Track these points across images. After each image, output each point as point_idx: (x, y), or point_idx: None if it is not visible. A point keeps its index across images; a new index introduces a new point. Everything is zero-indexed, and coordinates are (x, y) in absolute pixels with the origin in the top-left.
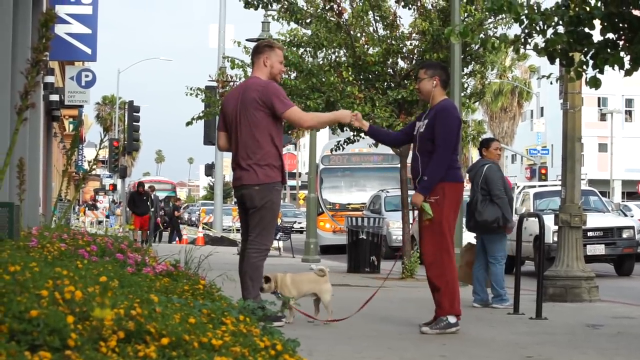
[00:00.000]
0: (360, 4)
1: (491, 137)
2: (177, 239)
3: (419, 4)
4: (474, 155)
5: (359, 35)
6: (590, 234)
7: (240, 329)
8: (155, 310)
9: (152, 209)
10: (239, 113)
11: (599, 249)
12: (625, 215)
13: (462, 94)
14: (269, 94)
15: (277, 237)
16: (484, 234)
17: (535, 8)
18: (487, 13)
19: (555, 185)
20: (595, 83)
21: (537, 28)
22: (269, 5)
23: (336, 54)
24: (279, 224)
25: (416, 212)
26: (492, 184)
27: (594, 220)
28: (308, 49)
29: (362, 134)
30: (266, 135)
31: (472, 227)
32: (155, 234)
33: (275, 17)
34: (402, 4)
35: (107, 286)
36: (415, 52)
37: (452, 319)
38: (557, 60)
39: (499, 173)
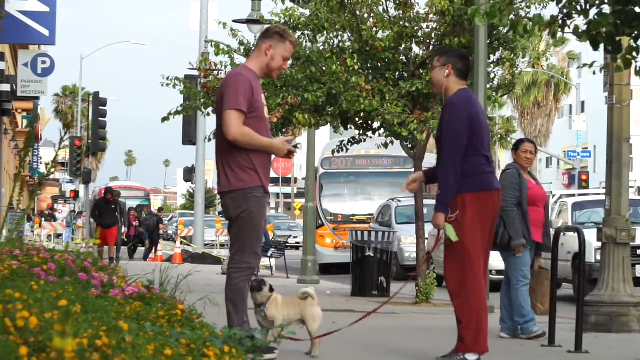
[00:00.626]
0: None
1: (524, 137)
2: (149, 255)
3: None
4: (501, 158)
5: (366, 16)
6: None
7: None
8: (125, 340)
9: (122, 220)
10: (216, 109)
11: None
12: None
13: (488, 86)
14: (226, 85)
15: (269, 254)
16: (500, 252)
17: None
18: None
19: (599, 194)
20: None
21: (578, 7)
22: None
23: (339, 38)
24: (270, 238)
25: (441, 234)
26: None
27: None
28: (306, 32)
29: (370, 133)
30: None
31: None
32: (132, 249)
33: None
34: None
35: (68, 311)
36: (433, 36)
37: (470, 357)
38: (602, 46)
39: (513, 180)
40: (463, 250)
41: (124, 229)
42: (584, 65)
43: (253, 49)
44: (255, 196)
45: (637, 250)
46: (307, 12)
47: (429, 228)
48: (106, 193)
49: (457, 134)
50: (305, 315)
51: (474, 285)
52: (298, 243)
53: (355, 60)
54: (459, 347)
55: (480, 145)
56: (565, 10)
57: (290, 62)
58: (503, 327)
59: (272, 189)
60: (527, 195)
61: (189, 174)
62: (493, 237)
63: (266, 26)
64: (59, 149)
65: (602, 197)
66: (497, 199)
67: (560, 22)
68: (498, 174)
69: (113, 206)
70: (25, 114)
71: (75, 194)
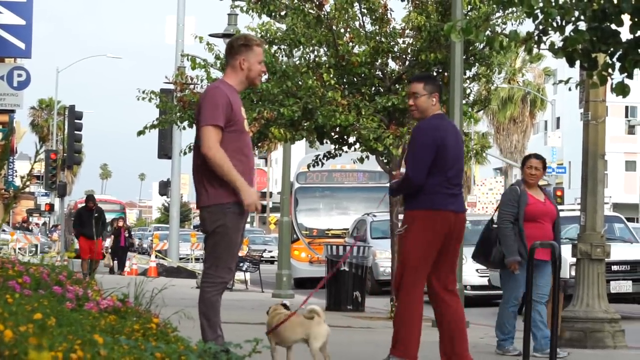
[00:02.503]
0: None
1: (532, 153)
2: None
3: None
4: (476, 174)
5: (342, 31)
6: (615, 268)
7: None
8: (100, 354)
9: (105, 231)
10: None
11: (625, 286)
12: None
13: (464, 102)
14: (203, 99)
15: (244, 269)
16: (499, 269)
17: (552, 0)
18: (494, 6)
19: (574, 210)
20: (622, 90)
21: (554, 24)
22: None
23: (315, 52)
24: (245, 252)
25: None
26: (499, 209)
27: (619, 252)
28: (282, 46)
29: (345, 148)
30: None
31: (474, 256)
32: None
33: (244, 9)
34: None
35: (44, 325)
36: (409, 51)
37: None
38: (578, 63)
39: (510, 197)
40: (403, 263)
41: (108, 241)
42: (560, 81)
43: (226, 65)
44: (232, 212)
45: (612, 267)
46: (284, 26)
47: None
48: (87, 201)
49: (419, 158)
50: (308, 334)
51: (405, 296)
52: (273, 257)
53: (332, 75)
54: (390, 350)
55: (442, 167)
56: (541, 27)
57: (266, 76)
58: (535, 347)
59: None
60: (526, 211)
61: (164, 187)
62: (455, 254)
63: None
64: (35, 162)
65: (577, 213)
66: (453, 220)
67: (536, 38)
68: (476, 190)
69: (96, 214)
70: (0, 127)
71: (51, 207)
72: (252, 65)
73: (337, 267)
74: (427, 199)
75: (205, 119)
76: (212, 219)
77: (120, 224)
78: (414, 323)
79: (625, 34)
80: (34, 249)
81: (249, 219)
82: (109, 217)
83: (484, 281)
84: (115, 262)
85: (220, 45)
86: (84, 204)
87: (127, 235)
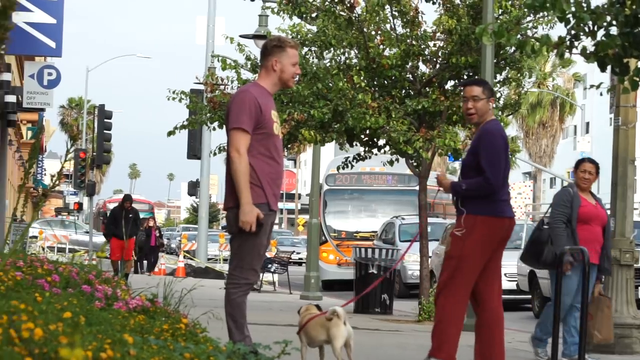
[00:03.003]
0: None
1: (585, 157)
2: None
3: None
4: None
5: (373, 33)
6: None
7: None
8: (129, 353)
9: (139, 231)
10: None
11: None
12: None
13: (494, 106)
14: (231, 103)
15: (272, 270)
16: (548, 270)
17: (584, 5)
18: (526, 10)
19: None
20: None
21: (586, 29)
22: None
23: (346, 55)
24: (274, 254)
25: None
26: (551, 209)
27: None
28: (313, 48)
29: (375, 150)
30: None
31: (523, 257)
32: (152, 262)
33: (275, 10)
34: None
35: (76, 322)
36: (440, 54)
37: None
38: (609, 68)
39: (564, 197)
40: (457, 265)
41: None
42: (592, 86)
43: (260, 66)
44: (264, 213)
45: None
46: (315, 28)
47: (432, 246)
48: (124, 201)
49: (498, 163)
50: (329, 335)
51: (450, 299)
52: (301, 259)
53: (362, 78)
54: (431, 352)
55: (505, 173)
56: (572, 32)
57: (296, 78)
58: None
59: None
60: (579, 213)
61: (193, 188)
62: (500, 259)
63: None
64: (65, 161)
65: None
66: (507, 226)
67: (568, 43)
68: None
69: (131, 215)
70: (30, 125)
71: (79, 206)
72: (285, 66)
73: (392, 269)
74: (489, 204)
75: (232, 122)
76: (238, 220)
77: (151, 223)
78: (459, 326)
79: None
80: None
81: (277, 221)
82: None
83: (512, 285)
84: (145, 262)
85: (251, 47)
86: (117, 203)
87: (157, 235)
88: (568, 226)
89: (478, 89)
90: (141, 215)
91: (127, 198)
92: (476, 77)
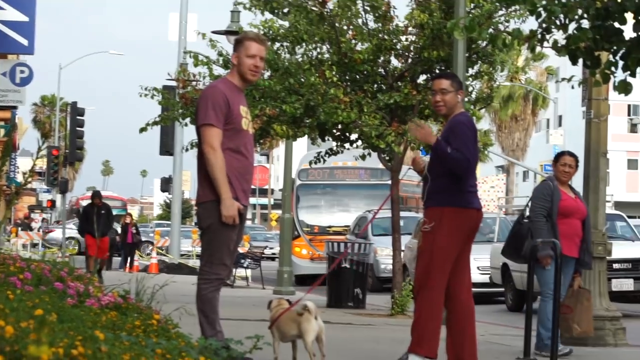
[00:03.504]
0: None
1: (565, 150)
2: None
3: None
4: (477, 172)
5: (345, 28)
6: (616, 266)
7: None
8: (101, 350)
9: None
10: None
11: (626, 284)
12: None
13: (466, 99)
14: (199, 100)
15: (245, 265)
16: (526, 262)
17: None
18: (497, 4)
19: None
20: (625, 88)
21: (557, 22)
22: None
23: (318, 50)
24: (247, 249)
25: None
26: (531, 203)
27: (621, 250)
28: (285, 43)
29: (347, 145)
30: None
31: (504, 252)
32: (130, 259)
33: (247, 6)
34: None
35: (43, 320)
36: (412, 49)
37: (413, 358)
38: (581, 61)
39: (544, 191)
40: (429, 260)
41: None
42: (563, 79)
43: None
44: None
45: (614, 265)
46: (286, 23)
47: (405, 240)
48: (94, 197)
49: (471, 148)
50: (300, 330)
51: (428, 293)
52: (274, 254)
53: (334, 72)
54: (411, 347)
55: (474, 164)
56: (544, 25)
57: (268, 73)
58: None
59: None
60: (559, 207)
61: (166, 184)
62: (469, 252)
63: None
64: (37, 158)
65: None
66: (475, 217)
67: (540, 36)
68: (478, 188)
69: (103, 211)
70: (2, 123)
71: (52, 203)
72: (241, 59)
73: (336, 262)
74: (457, 196)
75: (201, 118)
76: (206, 215)
77: (128, 220)
78: (439, 320)
79: (628, 32)
80: (36, 244)
81: (249, 216)
82: None
83: (485, 278)
84: (119, 258)
85: (223, 42)
86: (89, 201)
87: (134, 231)
88: (548, 220)
89: (446, 82)
90: (114, 212)
91: (96, 195)
92: (447, 71)
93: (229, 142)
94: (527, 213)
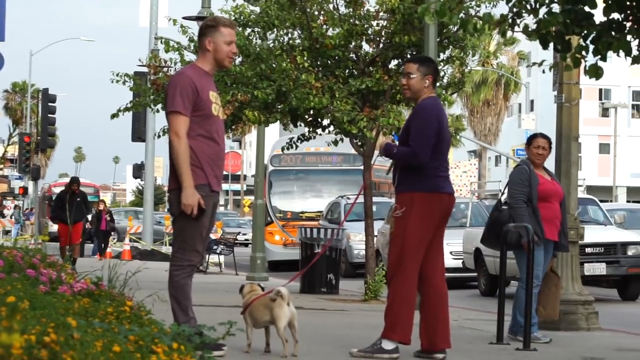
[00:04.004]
0: None
1: (537, 132)
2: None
3: None
4: (450, 157)
5: (316, 13)
6: (588, 250)
7: (173, 358)
8: (73, 337)
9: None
10: None
11: (599, 269)
12: None
13: (438, 84)
14: (167, 87)
15: (218, 251)
16: (512, 251)
17: None
18: None
19: None
20: (596, 72)
21: (528, 7)
22: None
23: (289, 35)
24: (219, 235)
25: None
26: (508, 189)
27: (593, 235)
28: (256, 29)
29: (319, 130)
30: None
31: (484, 240)
32: (103, 246)
33: None
34: None
35: (15, 307)
36: (383, 34)
37: (387, 345)
38: (551, 45)
39: (521, 176)
40: (402, 245)
41: (88, 225)
42: (534, 63)
43: (198, 48)
44: (204, 194)
45: (586, 249)
46: (257, 9)
47: (378, 225)
48: (71, 183)
49: (426, 137)
50: (272, 316)
51: (401, 278)
52: (247, 240)
53: (305, 58)
54: (384, 333)
55: (440, 149)
56: (515, 9)
57: (239, 59)
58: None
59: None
60: (538, 191)
61: (138, 170)
62: (442, 236)
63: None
64: (8, 145)
65: None
66: (446, 202)
67: (510, 21)
68: (450, 173)
69: (78, 199)
70: None
71: (24, 190)
72: (219, 45)
73: (325, 248)
74: (425, 181)
75: (168, 105)
76: (178, 202)
77: (101, 207)
78: (412, 305)
79: (598, 17)
80: (8, 231)
81: (222, 202)
82: None
83: (458, 263)
84: (92, 245)
85: (194, 28)
86: (63, 187)
87: (108, 218)
88: (529, 205)
89: (413, 66)
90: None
91: (74, 181)
92: (422, 55)
93: (199, 129)
94: (504, 199)
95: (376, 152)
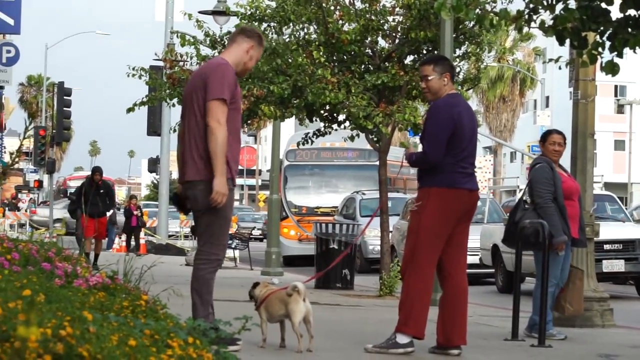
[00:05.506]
0: None
1: (552, 129)
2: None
3: None
4: None
5: (332, 8)
6: (607, 247)
7: (189, 353)
8: (89, 330)
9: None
10: (192, 95)
11: (617, 265)
12: None
13: (448, 81)
14: (212, 73)
15: (233, 246)
16: (526, 248)
17: None
18: None
19: None
20: (612, 69)
21: (545, 2)
22: None
23: (305, 30)
24: (235, 229)
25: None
26: (533, 188)
27: (612, 231)
28: (272, 24)
29: (335, 126)
30: None
31: (506, 240)
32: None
33: None
34: None
35: (32, 301)
36: (399, 29)
37: (401, 339)
38: (568, 41)
39: (545, 174)
40: (416, 239)
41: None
42: (550, 60)
43: (228, 41)
44: (228, 188)
45: (604, 246)
46: (274, 3)
47: (393, 221)
48: (94, 173)
49: (435, 137)
50: (288, 311)
51: (415, 273)
52: (262, 235)
53: (321, 53)
54: (398, 327)
55: (458, 145)
56: (531, 5)
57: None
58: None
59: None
60: (562, 189)
61: (154, 164)
62: (465, 233)
63: (234, 20)
64: (24, 138)
65: None
66: (467, 198)
67: (527, 17)
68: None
69: (102, 190)
70: None
71: (39, 183)
72: (254, 57)
73: (353, 243)
74: (443, 177)
75: (214, 93)
76: (207, 195)
77: (133, 202)
78: (426, 300)
79: (615, 13)
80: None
81: (237, 196)
82: None
83: (473, 259)
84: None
85: (210, 23)
86: (85, 179)
87: (139, 214)
88: (555, 204)
89: (428, 68)
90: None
91: (96, 169)
92: (436, 52)
93: (231, 123)
94: (527, 198)
95: (398, 166)
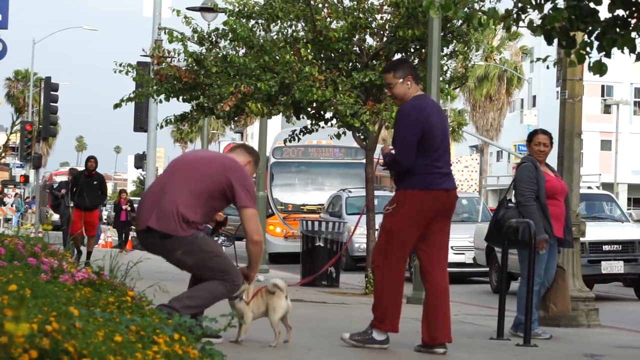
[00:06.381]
0: None
1: (538, 128)
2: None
3: None
4: (452, 151)
5: (320, 6)
6: (606, 248)
7: (174, 349)
8: (75, 326)
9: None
10: (211, 172)
11: (617, 267)
12: None
13: (441, 79)
14: (243, 180)
15: (219, 243)
16: (509, 247)
17: None
18: None
19: None
20: (600, 69)
21: (533, 2)
22: None
23: (293, 27)
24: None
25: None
26: (516, 186)
27: (610, 232)
28: (260, 20)
29: (322, 123)
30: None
31: (489, 238)
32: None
33: None
34: None
35: (22, 296)
36: (387, 27)
37: (377, 336)
38: (555, 41)
39: (529, 173)
40: (390, 239)
41: (105, 213)
42: (538, 59)
43: (227, 152)
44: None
45: (603, 247)
46: (262, 0)
47: (379, 219)
48: (87, 161)
49: (404, 141)
50: (268, 306)
51: (388, 272)
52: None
53: (309, 50)
54: (373, 323)
55: (429, 146)
56: (519, 5)
57: (243, 50)
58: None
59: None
60: (545, 188)
61: (140, 160)
62: (444, 232)
63: (222, 16)
64: (10, 133)
65: None
66: (443, 198)
67: (515, 16)
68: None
69: (95, 182)
70: None
71: (25, 178)
72: (249, 173)
73: (345, 245)
74: (417, 179)
75: (250, 202)
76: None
77: (124, 196)
78: (399, 297)
79: (603, 13)
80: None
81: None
82: None
83: (460, 258)
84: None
85: (198, 19)
86: (82, 169)
87: (128, 209)
88: (538, 203)
89: (389, 76)
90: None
91: (92, 157)
92: (396, 59)
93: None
94: (510, 197)
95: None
